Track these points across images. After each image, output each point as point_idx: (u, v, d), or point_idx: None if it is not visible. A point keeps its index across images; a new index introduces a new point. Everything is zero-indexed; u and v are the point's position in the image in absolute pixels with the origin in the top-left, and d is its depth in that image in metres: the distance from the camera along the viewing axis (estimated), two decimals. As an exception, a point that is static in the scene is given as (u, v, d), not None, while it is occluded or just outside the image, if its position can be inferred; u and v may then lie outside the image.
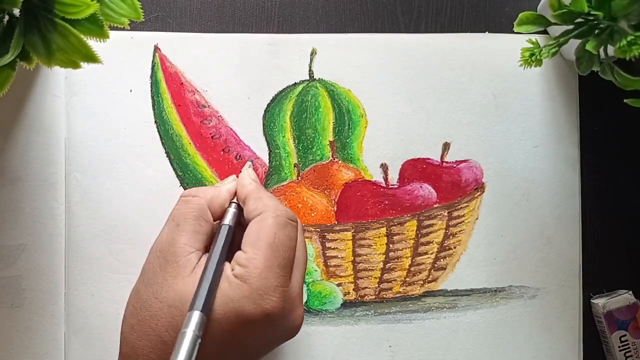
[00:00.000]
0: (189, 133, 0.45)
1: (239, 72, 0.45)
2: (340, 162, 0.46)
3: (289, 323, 0.35)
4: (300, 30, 0.46)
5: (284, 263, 0.35)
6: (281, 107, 0.45)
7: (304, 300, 0.45)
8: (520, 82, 0.46)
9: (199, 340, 0.31)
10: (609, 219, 0.47)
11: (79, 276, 0.43)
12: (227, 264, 0.35)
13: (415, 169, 0.46)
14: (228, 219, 0.38)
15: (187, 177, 0.45)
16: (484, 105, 0.46)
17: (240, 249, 0.36)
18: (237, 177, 0.42)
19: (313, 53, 0.46)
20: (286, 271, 0.35)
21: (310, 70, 0.46)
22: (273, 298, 0.33)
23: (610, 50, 0.35)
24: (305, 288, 0.45)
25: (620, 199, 0.47)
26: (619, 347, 0.45)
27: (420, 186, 0.46)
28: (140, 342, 0.33)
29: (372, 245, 0.46)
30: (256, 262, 0.34)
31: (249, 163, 0.44)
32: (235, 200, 0.39)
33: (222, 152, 0.45)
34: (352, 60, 0.46)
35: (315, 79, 0.46)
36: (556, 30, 0.39)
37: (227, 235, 0.37)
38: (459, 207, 0.46)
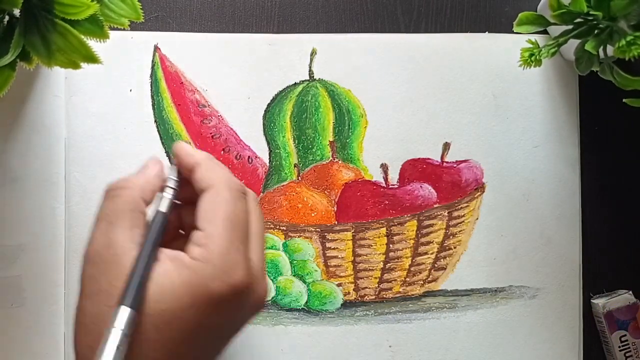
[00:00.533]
0: (189, 132, 0.45)
1: (239, 72, 0.45)
2: (340, 162, 0.46)
3: (256, 297, 0.34)
4: (300, 30, 0.46)
5: (243, 237, 0.33)
6: (281, 107, 0.45)
7: (305, 301, 0.45)
8: (520, 82, 0.46)
9: (125, 337, 0.29)
10: (609, 219, 0.47)
11: (78, 276, 0.43)
12: (180, 253, 0.32)
13: (415, 169, 0.46)
14: (164, 206, 0.35)
15: (187, 177, 0.45)
16: (484, 105, 0.46)
17: (178, 230, 0.34)
18: (158, 159, 0.37)
19: (313, 53, 0.46)
20: (246, 244, 0.33)
21: (310, 70, 0.46)
22: (239, 272, 0.32)
23: (610, 50, 0.35)
24: (305, 288, 0.45)
25: (621, 199, 0.47)
26: (619, 347, 0.45)
27: (421, 186, 0.46)
28: None
29: (372, 245, 0.46)
30: (216, 239, 0.32)
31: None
32: (169, 183, 0.36)
33: (222, 152, 0.45)
34: (352, 60, 0.46)
35: (315, 79, 0.46)
36: (556, 30, 0.39)
37: (162, 224, 0.34)
38: (459, 207, 0.46)
